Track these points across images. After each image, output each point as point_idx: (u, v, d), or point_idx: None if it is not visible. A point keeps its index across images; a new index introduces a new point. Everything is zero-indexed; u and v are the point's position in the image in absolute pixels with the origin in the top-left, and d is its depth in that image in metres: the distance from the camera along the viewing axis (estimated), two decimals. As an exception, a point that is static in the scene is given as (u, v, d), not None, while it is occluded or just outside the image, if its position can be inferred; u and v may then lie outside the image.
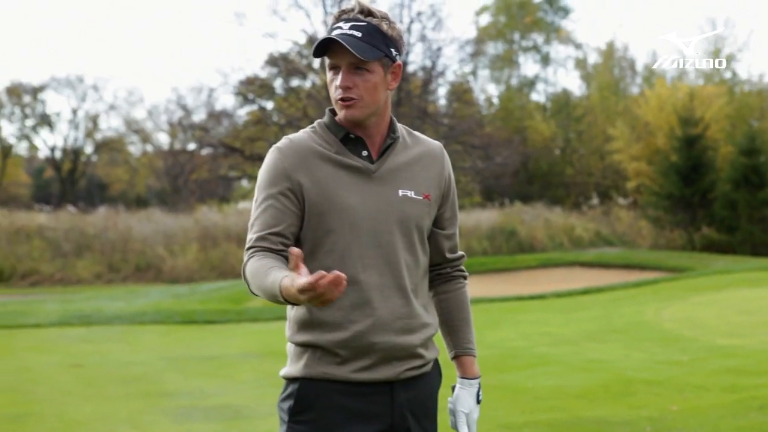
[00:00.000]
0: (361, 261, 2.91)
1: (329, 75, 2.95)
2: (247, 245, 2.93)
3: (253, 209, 2.98)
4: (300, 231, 2.95)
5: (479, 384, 3.19)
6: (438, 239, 3.16)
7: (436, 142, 3.18)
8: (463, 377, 3.19)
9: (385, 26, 2.93)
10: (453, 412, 3.17)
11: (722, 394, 8.11)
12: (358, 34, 2.87)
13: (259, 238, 2.89)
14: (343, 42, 2.83)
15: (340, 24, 2.91)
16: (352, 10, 2.93)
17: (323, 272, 2.39)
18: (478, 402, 3.18)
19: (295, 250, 2.50)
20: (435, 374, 3.13)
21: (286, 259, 2.86)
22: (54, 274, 30.47)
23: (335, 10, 3.04)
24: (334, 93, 2.94)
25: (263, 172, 2.97)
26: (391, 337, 2.93)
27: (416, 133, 3.16)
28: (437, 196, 3.09)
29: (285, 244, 2.90)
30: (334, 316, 2.90)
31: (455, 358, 3.22)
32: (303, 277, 2.43)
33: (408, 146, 3.08)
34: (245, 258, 2.90)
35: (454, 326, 3.22)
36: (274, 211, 2.91)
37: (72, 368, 11.19)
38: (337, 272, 2.38)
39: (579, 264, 29.32)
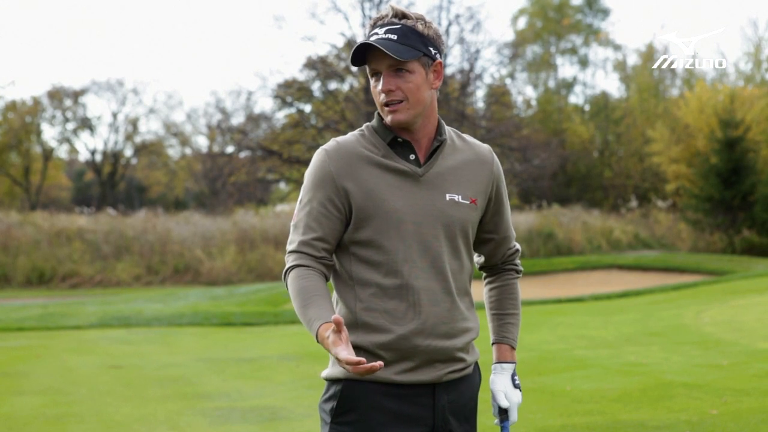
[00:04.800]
0: (407, 264, 2.92)
1: (372, 82, 2.98)
2: (290, 246, 2.98)
3: (298, 209, 3.01)
4: (344, 234, 2.97)
5: (514, 369, 3.19)
6: (490, 244, 3.20)
7: (486, 145, 3.17)
8: (497, 362, 3.20)
9: (420, 26, 2.93)
10: (492, 394, 3.18)
11: (763, 398, 8.01)
12: (394, 36, 2.89)
13: (303, 243, 2.94)
14: (378, 45, 2.85)
15: (376, 30, 2.92)
16: (387, 15, 2.95)
17: (363, 360, 2.57)
18: (516, 386, 3.16)
19: (338, 319, 2.63)
20: (475, 377, 3.14)
21: (326, 267, 2.96)
22: (94, 276, 30.74)
23: (374, 13, 3.04)
24: (379, 98, 2.95)
25: (310, 173, 3.00)
26: (434, 340, 2.94)
27: (466, 136, 3.16)
28: (484, 201, 3.09)
29: (327, 249, 2.95)
30: (379, 320, 2.91)
31: (494, 344, 3.24)
32: (344, 350, 2.63)
33: (456, 149, 3.08)
34: (289, 261, 2.96)
35: (498, 315, 3.25)
36: (317, 215, 2.94)
37: (111, 369, 11.29)
38: (379, 363, 2.60)
39: (617, 267, 29.18)
